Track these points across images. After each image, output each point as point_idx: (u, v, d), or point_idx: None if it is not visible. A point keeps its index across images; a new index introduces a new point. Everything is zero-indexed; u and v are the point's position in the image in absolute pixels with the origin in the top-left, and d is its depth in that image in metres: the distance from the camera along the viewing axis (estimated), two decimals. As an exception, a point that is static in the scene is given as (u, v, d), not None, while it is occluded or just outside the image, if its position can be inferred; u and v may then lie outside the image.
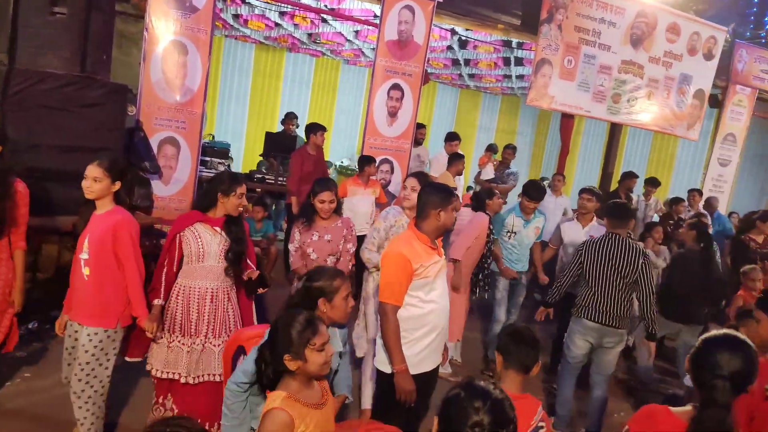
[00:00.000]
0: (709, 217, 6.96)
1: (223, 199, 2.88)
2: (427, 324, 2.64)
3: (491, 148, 8.29)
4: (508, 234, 4.90)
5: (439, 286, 2.69)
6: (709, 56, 7.82)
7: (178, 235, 2.89)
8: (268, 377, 1.95)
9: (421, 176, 3.54)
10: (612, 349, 3.80)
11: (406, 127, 6.40)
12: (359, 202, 5.58)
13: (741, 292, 4.78)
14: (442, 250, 2.79)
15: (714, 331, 1.88)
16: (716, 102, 8.40)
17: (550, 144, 12.53)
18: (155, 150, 5.08)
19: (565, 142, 7.79)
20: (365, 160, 5.68)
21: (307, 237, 3.52)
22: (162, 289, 2.88)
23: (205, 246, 2.87)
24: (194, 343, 2.88)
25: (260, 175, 6.95)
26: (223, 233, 2.91)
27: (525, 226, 4.90)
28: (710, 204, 7.83)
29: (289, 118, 7.79)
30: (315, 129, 5.99)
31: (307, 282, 2.31)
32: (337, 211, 3.56)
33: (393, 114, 6.29)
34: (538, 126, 13.01)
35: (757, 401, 2.37)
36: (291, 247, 3.59)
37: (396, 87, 6.23)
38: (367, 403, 3.54)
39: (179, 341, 2.88)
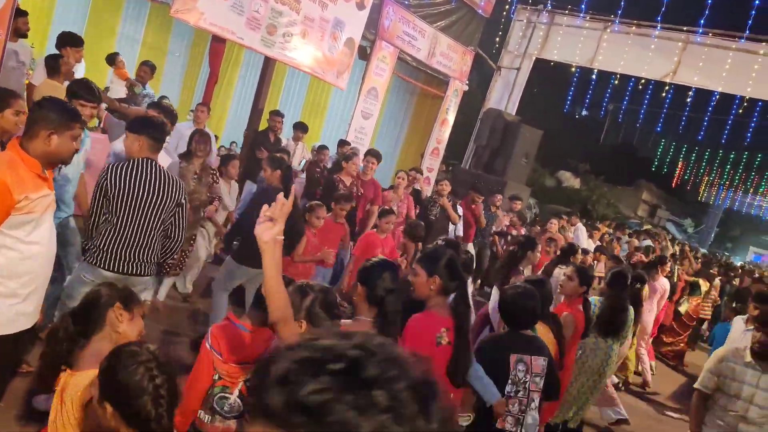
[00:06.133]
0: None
1: None
2: (28, 272, 2.31)
3: (114, 58, 6.98)
4: None
5: (46, 225, 2.38)
6: (361, 6, 7.88)
7: None
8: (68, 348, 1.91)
9: None
10: None
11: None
12: None
13: None
14: (53, 182, 2.44)
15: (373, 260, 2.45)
16: (364, 54, 8.67)
17: (204, 71, 11.31)
18: None
19: (214, 69, 6.98)
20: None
21: None
22: None
23: None
24: None
25: None
26: None
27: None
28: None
29: None
30: None
31: None
32: None
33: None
34: (193, 48, 11.57)
35: None
36: None
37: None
38: None
39: None
